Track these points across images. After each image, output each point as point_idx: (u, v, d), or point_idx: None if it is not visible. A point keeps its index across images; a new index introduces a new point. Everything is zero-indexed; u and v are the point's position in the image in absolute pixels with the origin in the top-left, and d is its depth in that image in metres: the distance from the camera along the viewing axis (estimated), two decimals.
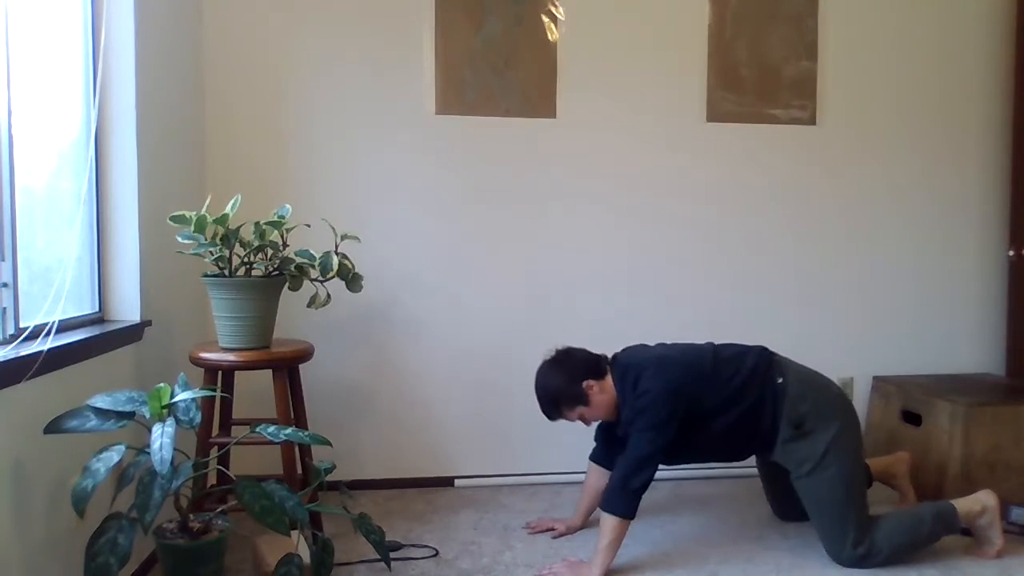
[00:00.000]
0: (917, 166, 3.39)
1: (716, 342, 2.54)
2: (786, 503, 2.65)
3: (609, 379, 2.41)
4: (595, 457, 2.65)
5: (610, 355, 2.49)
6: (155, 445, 1.68)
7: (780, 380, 2.40)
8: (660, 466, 2.32)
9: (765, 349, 2.49)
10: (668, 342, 2.56)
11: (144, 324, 2.26)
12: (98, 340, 1.98)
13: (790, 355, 2.44)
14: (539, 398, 2.43)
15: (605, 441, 2.60)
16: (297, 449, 2.46)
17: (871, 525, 2.37)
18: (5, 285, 1.69)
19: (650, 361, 2.38)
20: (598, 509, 2.38)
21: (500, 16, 3.06)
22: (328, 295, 2.44)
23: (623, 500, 2.26)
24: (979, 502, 2.43)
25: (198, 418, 1.87)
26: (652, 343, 2.56)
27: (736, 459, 2.51)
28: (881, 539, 2.34)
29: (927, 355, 3.43)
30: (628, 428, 2.33)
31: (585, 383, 2.38)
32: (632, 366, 2.38)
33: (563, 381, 2.39)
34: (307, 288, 2.42)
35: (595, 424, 2.55)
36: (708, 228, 3.25)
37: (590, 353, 2.46)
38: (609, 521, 2.26)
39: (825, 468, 2.34)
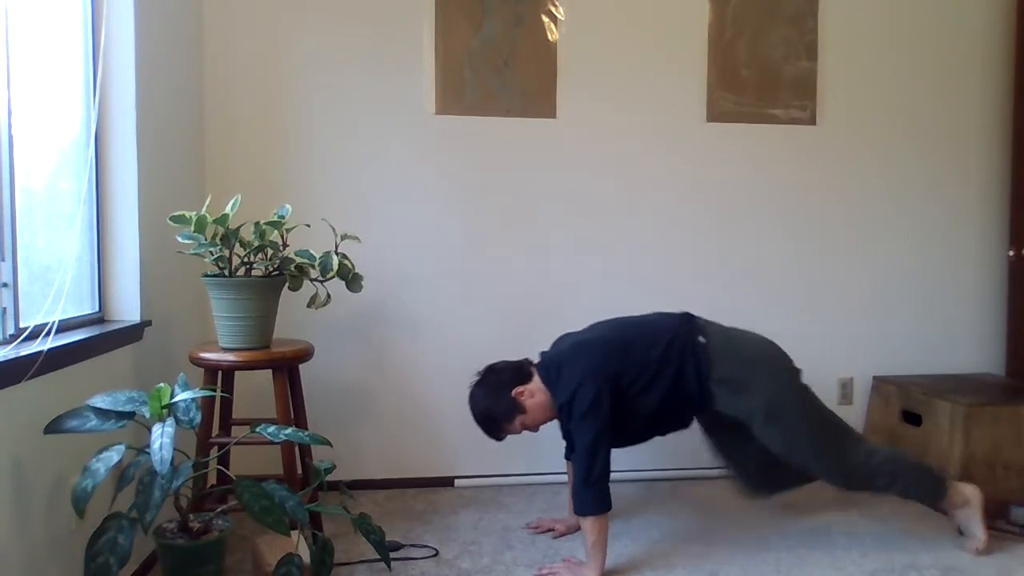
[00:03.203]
0: (917, 166, 3.39)
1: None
2: (760, 473, 2.59)
3: (537, 380, 2.40)
4: (568, 455, 2.63)
5: (536, 356, 2.48)
6: (155, 445, 1.68)
7: (702, 340, 2.39)
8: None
9: (687, 313, 2.49)
10: (595, 322, 2.56)
11: (144, 324, 2.26)
12: (98, 340, 1.98)
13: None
14: (477, 422, 2.43)
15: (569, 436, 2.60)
16: (297, 449, 2.46)
17: (861, 446, 2.39)
18: (5, 285, 1.69)
19: (567, 351, 2.38)
20: None
21: (500, 16, 3.06)
22: (328, 295, 2.44)
23: (590, 497, 2.25)
24: (962, 495, 2.45)
25: (198, 418, 1.86)
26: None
27: (682, 426, 2.48)
28: (882, 462, 2.37)
29: (927, 355, 3.43)
30: (566, 423, 2.33)
31: (514, 391, 2.37)
32: (552, 360, 2.39)
33: (492, 397, 2.38)
34: (307, 288, 2.42)
35: (550, 429, 2.52)
36: (708, 228, 3.25)
37: (511, 362, 2.45)
38: (587, 522, 2.26)
39: (778, 414, 2.34)
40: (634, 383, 2.33)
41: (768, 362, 2.41)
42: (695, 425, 2.54)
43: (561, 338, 2.53)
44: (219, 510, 2.06)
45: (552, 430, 2.68)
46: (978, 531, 2.44)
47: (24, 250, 1.78)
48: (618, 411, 2.30)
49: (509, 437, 2.48)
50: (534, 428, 2.45)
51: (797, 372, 2.43)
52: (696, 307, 3.20)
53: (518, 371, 2.41)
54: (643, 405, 2.35)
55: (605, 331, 2.44)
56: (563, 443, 2.66)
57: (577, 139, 3.14)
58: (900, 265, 3.40)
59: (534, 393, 2.38)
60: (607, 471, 2.25)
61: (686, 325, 2.43)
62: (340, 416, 3.06)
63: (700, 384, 2.35)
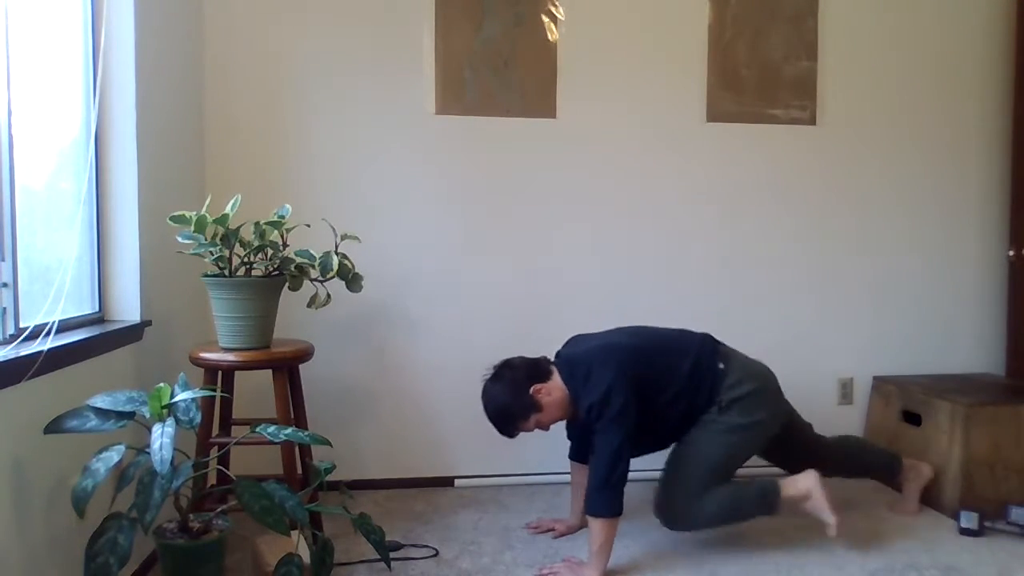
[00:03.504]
0: (917, 166, 3.39)
1: (663, 326, 2.58)
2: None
3: (556, 378, 2.37)
4: (574, 455, 2.64)
5: (552, 353, 2.48)
6: (155, 445, 1.68)
7: (721, 366, 2.41)
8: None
9: (709, 335, 2.52)
10: (613, 328, 2.56)
11: (144, 324, 2.26)
12: (98, 340, 1.98)
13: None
14: (491, 419, 2.39)
15: (579, 436, 2.60)
16: (297, 449, 2.46)
17: (714, 500, 2.39)
18: (5, 285, 1.69)
19: (596, 352, 2.36)
20: None
21: (500, 16, 3.06)
22: (328, 295, 2.44)
23: (606, 500, 2.24)
24: (797, 488, 2.42)
25: (198, 418, 1.87)
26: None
27: (676, 440, 2.48)
28: (707, 505, 2.37)
29: (927, 355, 3.43)
30: (591, 424, 2.30)
31: (532, 389, 2.34)
32: (579, 359, 2.36)
33: (510, 394, 2.34)
34: (307, 288, 2.42)
35: (553, 428, 2.51)
36: (707, 228, 3.25)
37: (527, 358, 2.42)
38: (597, 524, 2.25)
39: (726, 436, 2.37)
40: (660, 393, 2.35)
41: (761, 407, 2.43)
42: None
43: (576, 339, 2.52)
44: (219, 510, 2.06)
45: (553, 432, 2.68)
46: (826, 517, 2.38)
47: (24, 250, 1.78)
48: (641, 417, 2.30)
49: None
50: (546, 427, 2.43)
51: (775, 426, 2.49)
52: (695, 307, 3.21)
53: (536, 368, 2.38)
54: (664, 412, 2.37)
55: (633, 338, 2.43)
56: (567, 443, 2.65)
57: (577, 139, 3.14)
58: (900, 265, 3.40)
59: (552, 391, 2.36)
60: (626, 475, 2.26)
61: (709, 347, 2.45)
62: (340, 416, 3.06)
63: (707, 406, 2.39)
